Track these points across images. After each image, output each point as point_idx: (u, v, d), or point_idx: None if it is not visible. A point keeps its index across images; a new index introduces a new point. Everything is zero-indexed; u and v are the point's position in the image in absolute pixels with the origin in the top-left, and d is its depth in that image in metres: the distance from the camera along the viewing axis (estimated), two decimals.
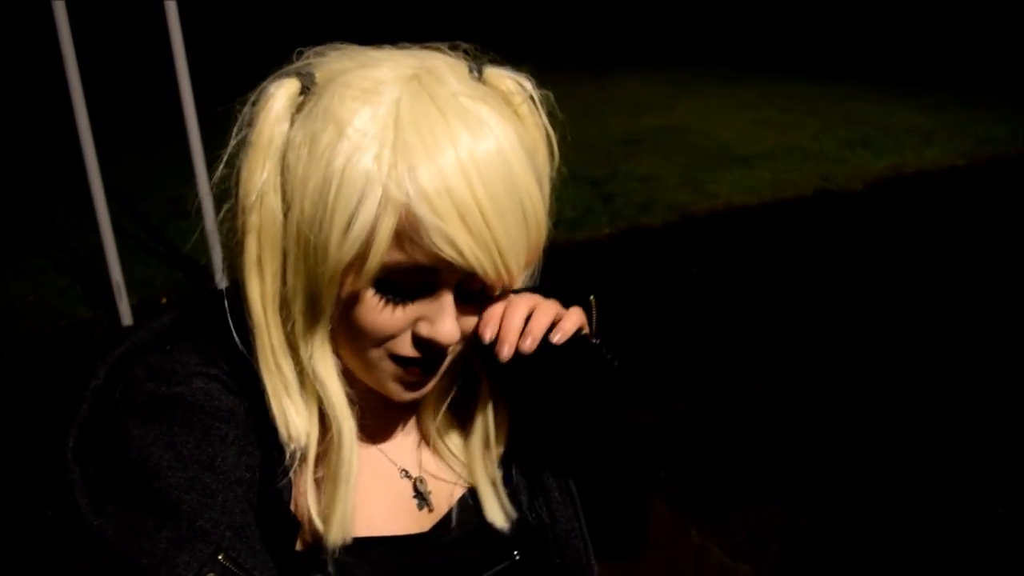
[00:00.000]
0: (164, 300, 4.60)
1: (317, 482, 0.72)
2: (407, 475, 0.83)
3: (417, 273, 0.65)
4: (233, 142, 0.70)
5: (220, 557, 0.63)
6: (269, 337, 0.69)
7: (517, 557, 0.85)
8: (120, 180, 6.45)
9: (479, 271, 0.65)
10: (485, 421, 0.84)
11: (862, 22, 13.88)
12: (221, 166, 0.71)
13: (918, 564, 2.50)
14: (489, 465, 0.85)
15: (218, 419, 0.68)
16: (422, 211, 0.61)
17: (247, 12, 13.51)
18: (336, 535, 0.71)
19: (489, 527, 0.84)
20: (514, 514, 0.85)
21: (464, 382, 0.83)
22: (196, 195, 4.37)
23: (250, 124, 0.67)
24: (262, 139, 0.66)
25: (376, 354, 0.71)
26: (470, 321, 0.72)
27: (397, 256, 0.64)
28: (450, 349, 0.72)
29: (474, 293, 0.70)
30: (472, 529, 0.84)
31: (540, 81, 0.79)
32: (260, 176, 0.65)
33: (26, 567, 2.66)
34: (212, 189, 0.71)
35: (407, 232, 0.63)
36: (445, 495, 0.84)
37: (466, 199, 0.62)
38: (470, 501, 0.85)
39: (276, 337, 0.69)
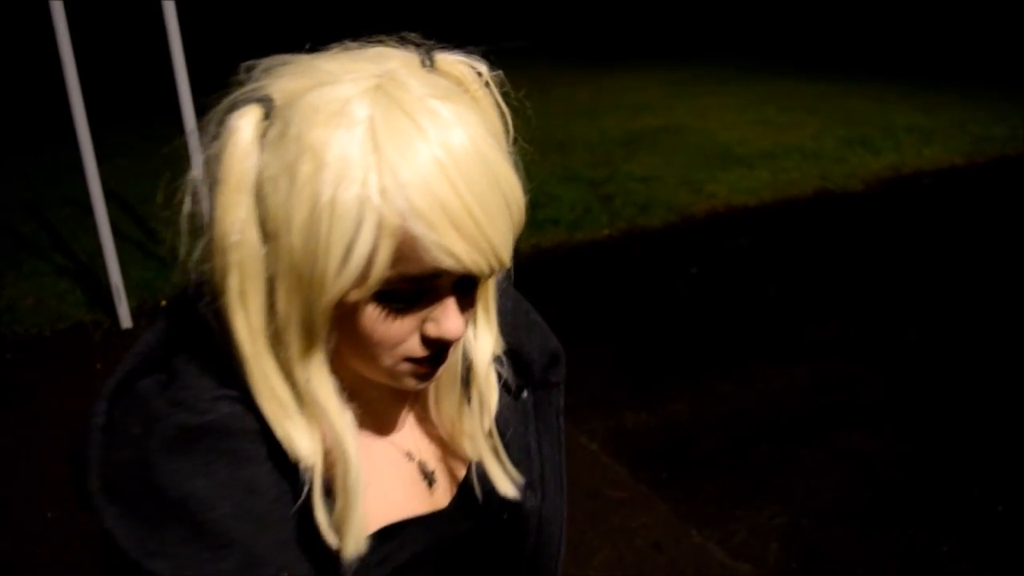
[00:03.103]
0: (163, 302, 4.60)
1: (328, 493, 0.72)
2: (411, 458, 0.85)
3: (416, 282, 0.66)
4: (194, 172, 0.69)
5: None
6: (261, 367, 0.68)
7: (505, 516, 0.88)
8: (119, 183, 6.45)
9: (476, 272, 0.65)
10: (479, 394, 0.85)
11: (861, 21, 13.88)
12: (187, 196, 0.70)
13: (919, 564, 2.50)
14: (488, 437, 0.86)
15: (247, 440, 0.68)
16: (419, 229, 0.61)
17: (246, 14, 13.51)
18: (351, 549, 0.71)
19: (498, 497, 0.86)
20: (520, 479, 0.87)
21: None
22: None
23: (216, 160, 0.65)
24: (233, 176, 0.63)
25: (389, 360, 0.71)
26: (468, 310, 0.74)
27: (396, 272, 0.64)
28: None
29: (469, 284, 0.71)
30: (483, 501, 0.86)
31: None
32: (237, 213, 0.64)
33: (26, 569, 2.66)
34: (183, 223, 0.70)
35: (405, 250, 0.63)
36: (446, 473, 0.87)
37: (456, 207, 0.62)
38: (474, 475, 0.87)
39: (269, 366, 0.68)
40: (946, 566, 2.49)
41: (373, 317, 0.67)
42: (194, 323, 0.71)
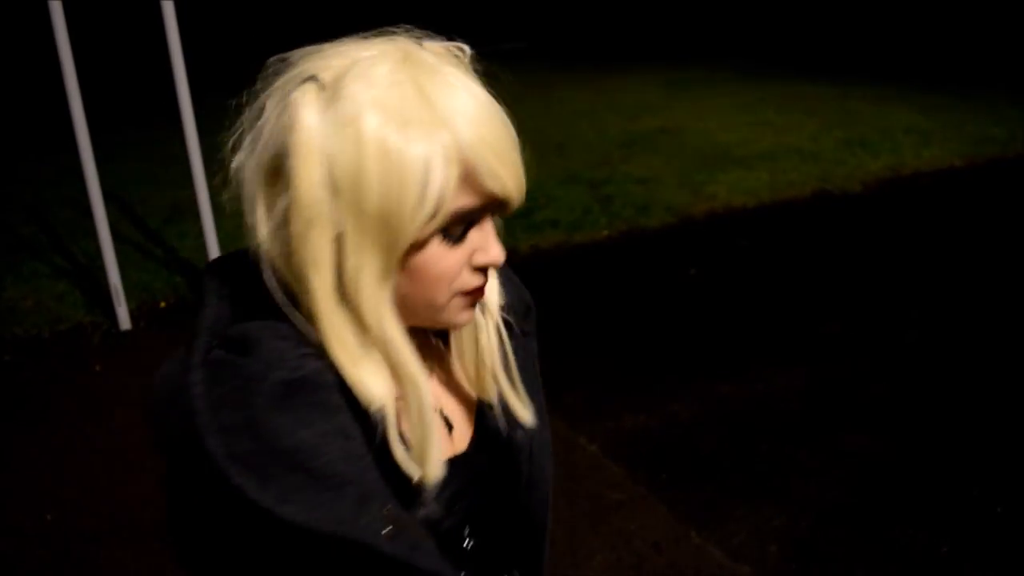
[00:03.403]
0: (163, 304, 4.60)
1: (401, 434, 0.79)
2: (434, 407, 0.91)
3: (467, 216, 0.75)
4: (242, 156, 0.76)
5: (387, 509, 0.73)
6: (333, 321, 0.75)
7: (518, 451, 0.97)
8: (118, 184, 6.45)
9: (515, 197, 0.76)
10: (498, 332, 0.94)
11: (860, 23, 13.89)
12: (227, 176, 0.76)
13: (918, 565, 2.50)
14: (505, 372, 0.95)
15: (332, 392, 0.74)
16: (476, 161, 0.72)
17: (245, 17, 13.51)
18: (432, 475, 0.80)
19: (510, 437, 0.95)
20: (532, 405, 0.96)
21: None
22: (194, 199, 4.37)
23: (285, 133, 0.72)
24: (303, 145, 0.71)
25: (444, 297, 0.79)
26: (499, 236, 0.84)
27: (455, 206, 0.73)
28: None
29: (499, 213, 0.81)
30: (500, 440, 0.95)
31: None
32: (312, 177, 0.71)
33: (25, 571, 2.65)
34: (224, 193, 0.76)
35: (466, 182, 0.73)
36: (462, 418, 0.94)
37: (497, 141, 0.73)
38: (486, 414, 0.95)
39: (339, 318, 0.75)
40: (946, 567, 2.49)
41: (435, 254, 0.76)
42: (255, 292, 0.77)
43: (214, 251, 4.41)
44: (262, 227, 0.75)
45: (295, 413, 0.71)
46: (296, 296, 0.76)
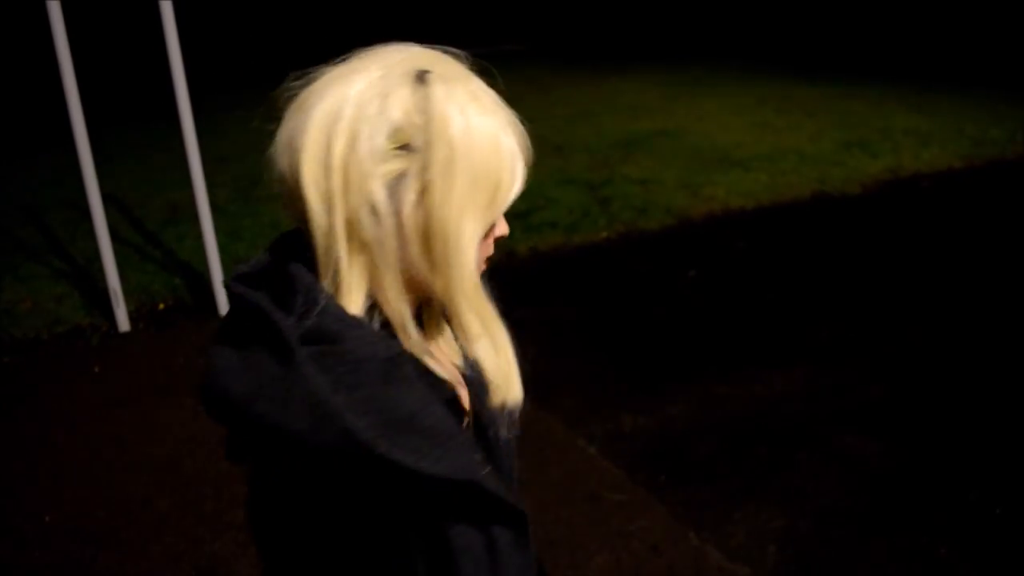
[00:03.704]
0: (162, 306, 4.60)
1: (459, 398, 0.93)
2: None
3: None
4: (340, 148, 0.81)
5: (480, 455, 0.85)
6: (403, 315, 0.86)
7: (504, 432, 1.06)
8: (117, 186, 6.46)
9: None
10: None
11: (859, 24, 13.91)
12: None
13: (917, 567, 2.50)
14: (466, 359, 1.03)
15: (411, 364, 0.86)
16: (526, 157, 0.88)
17: (244, 19, 13.51)
18: (518, 396, 0.97)
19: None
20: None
21: None
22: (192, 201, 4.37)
23: (424, 122, 0.80)
24: (441, 133, 0.80)
25: (481, 265, 0.91)
26: None
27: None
28: None
29: None
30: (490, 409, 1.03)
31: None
32: (445, 160, 0.81)
33: (23, 573, 2.65)
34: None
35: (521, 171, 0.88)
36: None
37: (524, 143, 0.88)
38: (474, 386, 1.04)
39: (405, 312, 0.86)
40: (944, 568, 2.49)
41: (495, 227, 0.90)
42: (288, 285, 0.84)
43: (213, 253, 4.41)
44: (364, 216, 0.81)
45: (398, 386, 0.81)
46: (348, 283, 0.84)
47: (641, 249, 5.23)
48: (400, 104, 0.80)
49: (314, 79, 0.84)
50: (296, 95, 0.84)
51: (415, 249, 0.83)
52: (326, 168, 0.79)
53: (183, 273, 4.98)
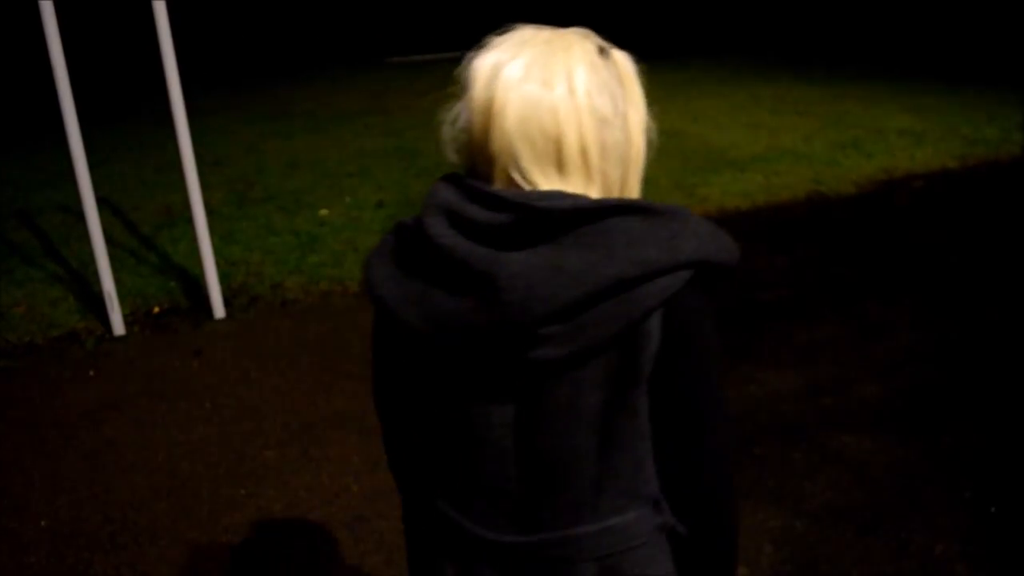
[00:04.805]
0: (156, 309, 4.59)
1: None
2: None
3: None
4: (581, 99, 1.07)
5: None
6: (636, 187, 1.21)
7: None
8: (111, 189, 6.45)
9: None
10: None
11: (853, 24, 13.93)
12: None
13: (913, 566, 2.51)
14: None
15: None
16: None
17: (239, 21, 13.49)
18: None
19: None
20: None
21: None
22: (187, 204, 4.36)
23: (618, 82, 1.13)
24: (633, 91, 1.17)
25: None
26: None
27: None
28: None
29: None
30: None
31: None
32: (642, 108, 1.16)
33: None
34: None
35: None
36: None
37: None
38: None
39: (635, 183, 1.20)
40: (940, 567, 2.49)
41: None
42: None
43: (208, 256, 4.40)
44: (593, 149, 1.07)
45: (698, 221, 1.13)
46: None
47: None
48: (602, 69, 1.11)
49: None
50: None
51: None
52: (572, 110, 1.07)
53: (178, 276, 4.97)
